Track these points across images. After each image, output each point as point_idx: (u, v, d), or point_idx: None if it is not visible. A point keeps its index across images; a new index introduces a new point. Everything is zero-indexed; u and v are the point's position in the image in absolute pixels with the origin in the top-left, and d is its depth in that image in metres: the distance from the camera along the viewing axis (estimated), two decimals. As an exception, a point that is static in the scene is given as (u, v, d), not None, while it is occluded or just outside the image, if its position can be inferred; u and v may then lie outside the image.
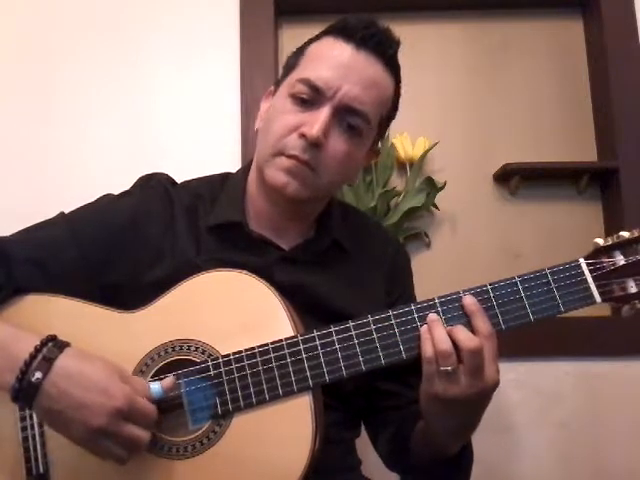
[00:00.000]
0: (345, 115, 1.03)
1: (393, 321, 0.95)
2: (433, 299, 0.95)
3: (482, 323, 0.92)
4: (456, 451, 1.04)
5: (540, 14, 1.96)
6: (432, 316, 0.94)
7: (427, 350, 0.91)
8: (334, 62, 1.03)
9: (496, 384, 0.93)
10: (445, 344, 0.90)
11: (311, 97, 1.03)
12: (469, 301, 0.94)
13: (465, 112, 1.92)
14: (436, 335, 0.91)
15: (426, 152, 1.82)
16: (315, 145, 1.01)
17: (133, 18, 1.86)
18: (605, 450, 1.72)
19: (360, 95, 1.03)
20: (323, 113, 1.02)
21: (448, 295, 0.96)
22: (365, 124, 1.06)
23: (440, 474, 1.07)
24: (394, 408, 1.16)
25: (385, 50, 1.06)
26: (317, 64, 1.04)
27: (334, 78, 1.02)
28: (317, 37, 1.10)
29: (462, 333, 0.91)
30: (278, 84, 1.11)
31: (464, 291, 0.95)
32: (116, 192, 1.15)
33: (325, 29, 1.09)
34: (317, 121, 1.01)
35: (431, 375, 0.92)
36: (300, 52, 1.09)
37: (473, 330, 0.92)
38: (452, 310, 0.95)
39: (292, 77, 1.06)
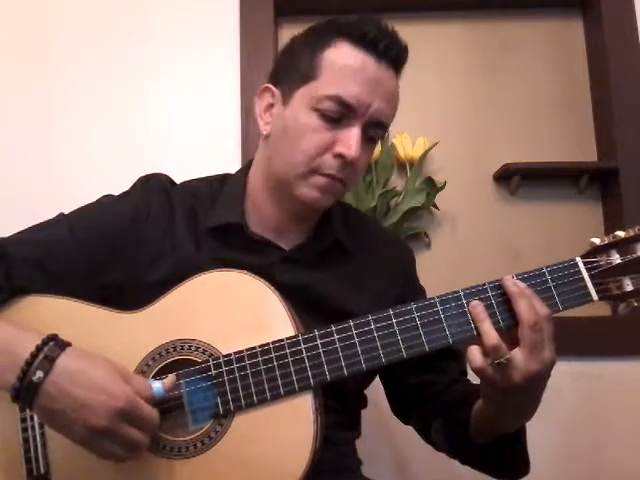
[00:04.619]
0: (371, 129, 1.04)
1: (393, 320, 0.95)
2: (432, 298, 0.96)
3: (543, 307, 0.92)
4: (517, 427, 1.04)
5: (540, 14, 1.97)
6: (478, 307, 0.94)
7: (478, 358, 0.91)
8: (362, 77, 1.01)
9: (553, 361, 0.92)
10: (494, 338, 0.90)
11: (341, 114, 1.02)
12: (522, 285, 0.93)
13: (465, 112, 1.93)
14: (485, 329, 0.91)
15: (426, 152, 1.83)
16: (351, 164, 1.03)
17: (133, 18, 1.87)
18: (604, 449, 1.72)
19: (386, 110, 1.04)
20: (356, 132, 1.02)
21: (447, 294, 0.96)
22: (383, 133, 1.08)
23: (503, 450, 1.05)
24: (432, 397, 1.16)
25: (401, 61, 1.06)
26: (344, 79, 1.01)
27: (364, 95, 1.01)
28: (328, 39, 1.04)
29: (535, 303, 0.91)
30: (285, 87, 1.07)
31: (463, 290, 0.96)
32: (116, 192, 1.14)
33: (333, 29, 1.05)
34: (352, 141, 1.01)
35: (485, 367, 0.91)
36: (312, 58, 1.04)
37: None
38: (452, 309, 0.95)
39: (314, 89, 1.02)
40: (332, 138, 1.02)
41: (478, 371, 0.92)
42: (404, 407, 1.24)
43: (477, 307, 0.94)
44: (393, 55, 1.04)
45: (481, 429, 1.06)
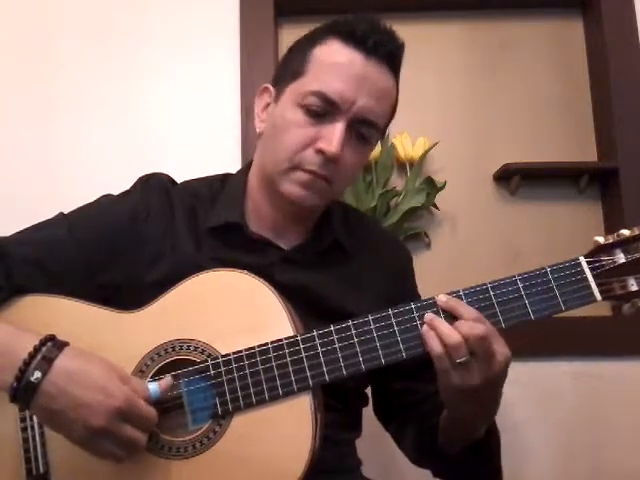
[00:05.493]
0: (358, 126, 1.03)
1: (393, 320, 0.95)
2: (432, 298, 0.96)
3: (467, 310, 0.93)
4: (483, 432, 1.04)
5: (540, 14, 1.97)
6: (430, 315, 0.94)
7: (434, 347, 0.91)
8: (347, 73, 1.01)
9: (509, 358, 0.93)
10: (454, 335, 0.90)
11: (325, 110, 1.01)
12: (443, 298, 0.94)
13: (465, 112, 1.93)
14: (442, 330, 0.91)
15: (426, 152, 1.82)
16: (333, 160, 1.02)
17: (133, 18, 1.87)
18: (604, 450, 1.72)
19: (374, 107, 1.03)
20: (339, 128, 1.01)
21: (447, 294, 0.96)
22: (375, 132, 1.07)
23: (472, 460, 1.06)
24: (413, 405, 1.16)
25: (394, 57, 1.05)
26: (329, 75, 1.02)
27: (349, 91, 1.00)
28: (320, 38, 1.06)
29: (464, 324, 0.91)
30: (278, 84, 1.09)
31: (464, 289, 0.96)
32: (116, 192, 1.14)
33: (327, 28, 1.06)
34: (334, 136, 1.00)
35: (446, 370, 0.92)
36: (303, 55, 1.05)
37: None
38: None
39: (301, 86, 1.03)
40: (315, 134, 1.02)
41: (438, 358, 0.92)
42: (385, 411, 1.24)
43: (446, 302, 0.94)
44: (384, 52, 1.03)
45: (448, 435, 1.07)
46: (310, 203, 1.05)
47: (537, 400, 1.74)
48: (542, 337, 1.65)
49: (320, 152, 1.01)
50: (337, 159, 1.01)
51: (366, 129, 1.04)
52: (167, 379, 0.94)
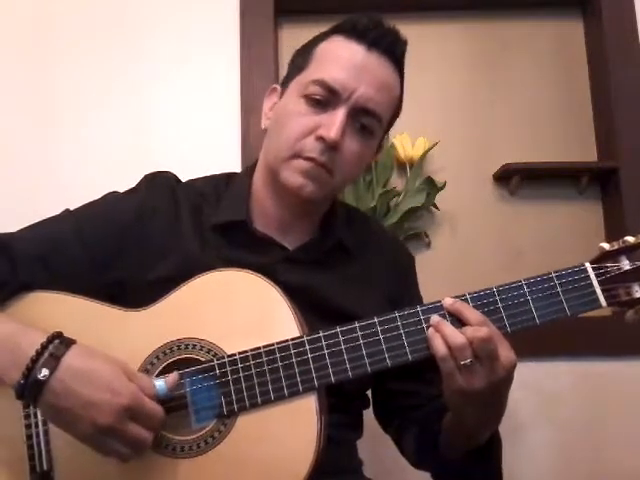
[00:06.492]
0: (359, 116, 1.04)
1: (399, 322, 0.95)
2: (439, 301, 0.96)
3: (473, 313, 0.93)
4: (486, 438, 1.04)
5: (540, 14, 1.97)
6: (435, 317, 0.94)
7: (439, 349, 0.92)
8: (348, 63, 1.03)
9: (514, 362, 0.93)
10: (459, 338, 0.90)
11: (326, 98, 1.03)
12: (449, 301, 0.95)
13: (465, 112, 1.93)
14: (447, 332, 0.92)
15: (426, 152, 1.83)
16: (333, 148, 1.02)
17: (134, 18, 1.86)
18: (605, 450, 1.72)
19: (374, 96, 1.04)
20: (339, 115, 1.02)
21: (453, 297, 0.96)
22: (378, 124, 1.07)
23: (473, 465, 1.06)
24: (415, 407, 1.16)
25: (395, 51, 1.07)
26: (330, 65, 1.04)
27: (349, 79, 1.02)
28: (324, 36, 1.09)
29: (469, 327, 0.92)
30: (285, 83, 1.11)
31: (470, 293, 0.96)
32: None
33: (332, 28, 1.09)
34: (334, 123, 1.01)
35: (450, 372, 0.92)
36: (308, 52, 1.08)
37: (467, 324, 0.93)
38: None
39: (303, 77, 1.06)
40: (317, 122, 1.03)
41: (442, 360, 0.92)
42: (386, 412, 1.24)
43: (452, 305, 0.95)
44: (385, 45, 1.05)
45: (451, 440, 1.07)
46: (310, 192, 1.05)
47: (537, 400, 1.74)
48: (543, 337, 1.65)
49: (320, 139, 1.02)
50: (337, 146, 1.02)
51: (367, 119, 1.05)
52: (174, 376, 0.93)
